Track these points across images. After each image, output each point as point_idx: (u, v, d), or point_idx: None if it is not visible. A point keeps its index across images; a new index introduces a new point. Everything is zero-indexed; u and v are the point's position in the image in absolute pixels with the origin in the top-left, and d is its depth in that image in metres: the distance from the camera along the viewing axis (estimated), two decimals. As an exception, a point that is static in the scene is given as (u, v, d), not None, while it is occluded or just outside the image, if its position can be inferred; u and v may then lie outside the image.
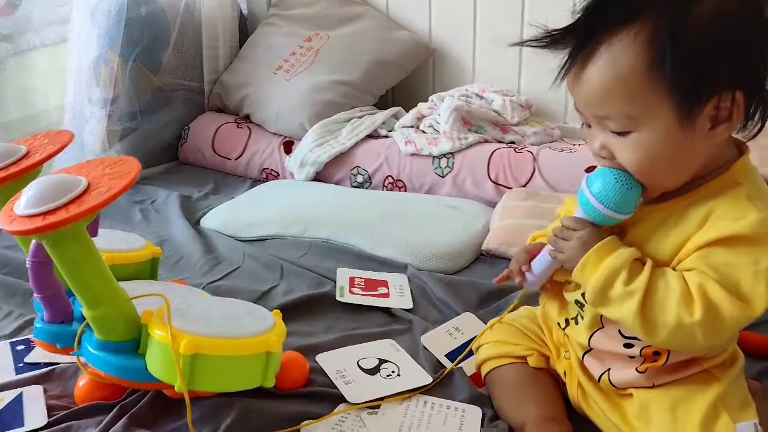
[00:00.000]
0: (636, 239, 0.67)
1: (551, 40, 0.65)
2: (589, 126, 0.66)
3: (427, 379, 0.83)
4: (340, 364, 0.86)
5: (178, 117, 1.77)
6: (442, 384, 0.83)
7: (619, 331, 0.69)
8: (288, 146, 1.64)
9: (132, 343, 0.73)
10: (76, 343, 0.75)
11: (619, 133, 0.63)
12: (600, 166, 0.67)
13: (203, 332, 0.69)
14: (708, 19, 0.58)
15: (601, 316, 0.69)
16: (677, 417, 0.66)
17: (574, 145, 1.46)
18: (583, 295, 0.70)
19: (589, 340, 0.72)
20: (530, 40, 0.66)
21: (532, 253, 0.76)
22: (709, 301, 0.61)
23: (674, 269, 0.64)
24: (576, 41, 0.63)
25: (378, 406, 0.79)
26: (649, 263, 0.64)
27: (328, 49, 1.73)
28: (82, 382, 0.81)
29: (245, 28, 1.95)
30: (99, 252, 0.72)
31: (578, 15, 0.64)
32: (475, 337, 0.89)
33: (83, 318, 0.74)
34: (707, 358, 0.69)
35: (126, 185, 0.69)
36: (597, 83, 0.62)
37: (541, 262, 0.74)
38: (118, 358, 0.72)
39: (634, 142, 0.62)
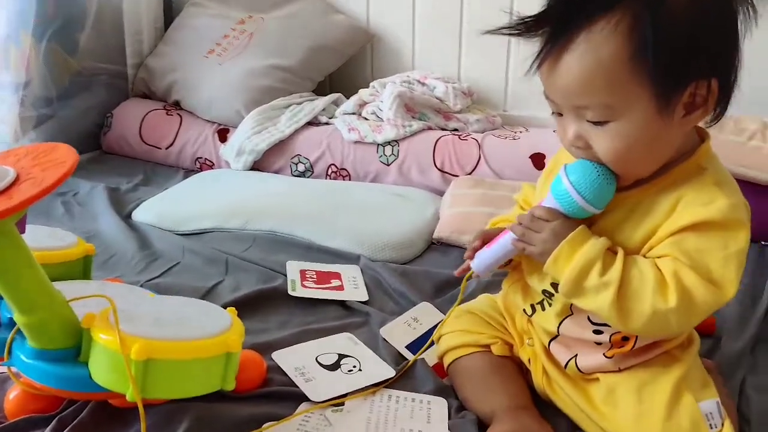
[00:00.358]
0: (606, 227, 0.67)
1: (525, 27, 0.63)
2: (560, 115, 0.65)
3: (389, 373, 0.81)
4: (298, 362, 0.82)
5: (100, 103, 1.67)
6: (405, 376, 0.81)
7: (588, 318, 0.69)
8: (223, 134, 1.56)
9: (72, 350, 0.66)
10: (6, 353, 0.68)
11: (596, 123, 0.62)
12: (574, 156, 0.66)
13: (155, 335, 0.63)
14: (685, 6, 0.58)
15: (571, 303, 0.69)
16: (643, 399, 0.67)
17: (516, 132, 1.47)
18: (553, 285, 0.70)
19: (558, 327, 0.71)
20: (503, 28, 0.64)
21: (485, 240, 0.75)
22: (684, 288, 0.61)
23: (644, 256, 0.65)
24: (551, 30, 0.61)
25: (342, 403, 0.76)
26: (621, 252, 0.64)
27: (263, 32, 1.66)
28: (12, 394, 0.73)
29: (170, 9, 1.84)
30: (31, 251, 0.65)
31: (550, 2, 0.62)
32: (434, 326, 0.87)
33: (13, 324, 0.67)
34: (668, 340, 0.70)
35: (62, 176, 0.62)
36: (577, 73, 0.60)
37: (496, 250, 0.73)
38: (56, 367, 0.66)
39: (612, 131, 0.62)
